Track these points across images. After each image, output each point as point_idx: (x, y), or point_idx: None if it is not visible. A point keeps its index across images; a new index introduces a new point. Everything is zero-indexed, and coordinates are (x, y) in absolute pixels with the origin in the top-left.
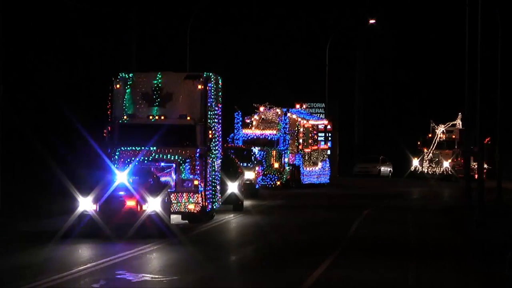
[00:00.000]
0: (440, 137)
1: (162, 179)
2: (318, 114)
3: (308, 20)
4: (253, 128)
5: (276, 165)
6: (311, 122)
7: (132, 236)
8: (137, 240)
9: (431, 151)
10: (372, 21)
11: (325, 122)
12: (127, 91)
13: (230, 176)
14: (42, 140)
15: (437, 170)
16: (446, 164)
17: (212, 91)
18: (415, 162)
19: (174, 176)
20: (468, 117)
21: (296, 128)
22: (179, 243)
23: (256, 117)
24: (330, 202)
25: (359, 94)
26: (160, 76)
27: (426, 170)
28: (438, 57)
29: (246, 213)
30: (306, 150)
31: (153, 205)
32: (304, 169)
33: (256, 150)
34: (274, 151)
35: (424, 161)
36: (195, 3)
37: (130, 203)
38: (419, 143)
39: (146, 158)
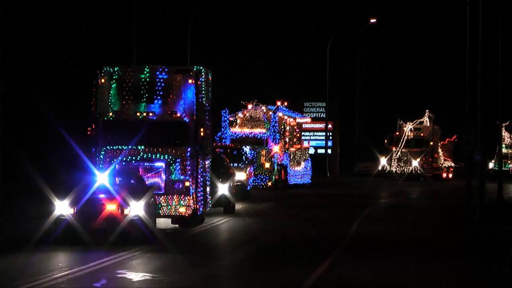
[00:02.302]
0: (408, 135)
1: (151, 180)
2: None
3: (309, 20)
4: (237, 126)
5: (267, 165)
6: (298, 120)
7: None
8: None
9: (400, 150)
10: (373, 21)
11: (308, 119)
12: (112, 86)
13: (221, 177)
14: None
15: (405, 170)
16: (415, 163)
17: (203, 86)
18: (383, 161)
19: (163, 177)
20: (469, 116)
21: (283, 127)
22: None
23: (240, 115)
24: (327, 202)
25: (359, 93)
26: (148, 70)
27: (394, 170)
28: (439, 56)
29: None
30: (292, 149)
31: (136, 209)
32: (291, 169)
33: (247, 149)
34: (264, 151)
35: (393, 160)
36: (196, 2)
37: (111, 207)
38: (386, 141)
39: (133, 158)
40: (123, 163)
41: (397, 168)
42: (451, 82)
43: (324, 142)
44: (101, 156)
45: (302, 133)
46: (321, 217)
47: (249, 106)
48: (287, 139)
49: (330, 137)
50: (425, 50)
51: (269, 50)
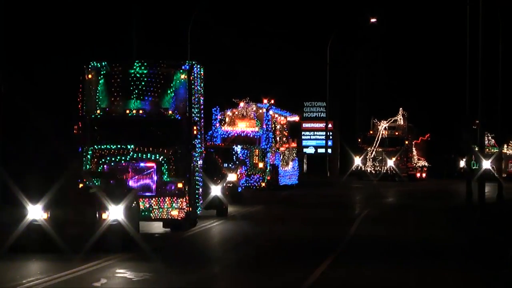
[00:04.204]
0: (382, 134)
1: (142, 181)
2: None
3: (309, 19)
4: (226, 125)
5: (260, 165)
6: (289, 118)
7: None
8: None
9: (374, 149)
10: (373, 20)
11: (297, 118)
12: (100, 81)
13: (213, 178)
14: None
15: (381, 169)
16: (390, 163)
17: (196, 82)
18: (357, 160)
19: (155, 178)
20: (469, 116)
21: (273, 125)
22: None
23: (229, 113)
24: (323, 202)
25: (360, 93)
26: (138, 65)
27: (369, 170)
28: (440, 56)
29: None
30: (282, 148)
31: (115, 213)
32: (281, 169)
33: (238, 149)
34: (257, 150)
35: (368, 160)
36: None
37: (88, 211)
38: (359, 140)
39: (122, 158)
40: (112, 164)
41: (372, 168)
42: (451, 82)
43: (324, 142)
44: (89, 156)
45: (302, 133)
46: (319, 218)
47: (241, 104)
48: (277, 138)
49: (330, 137)
50: (425, 50)
51: (268, 50)
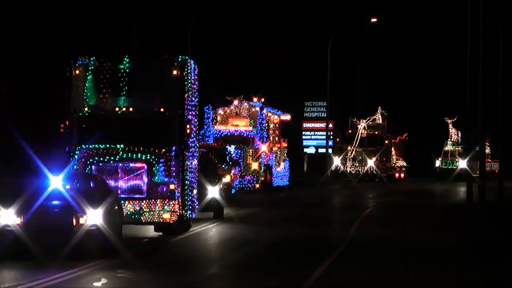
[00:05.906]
0: (361, 133)
1: (131, 182)
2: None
3: (310, 19)
4: (217, 124)
5: (254, 165)
6: (281, 117)
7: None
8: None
9: (354, 149)
10: (374, 20)
11: (289, 117)
12: (88, 78)
13: (210, 178)
14: None
15: (361, 170)
16: (371, 163)
17: (189, 78)
18: (337, 160)
19: (145, 180)
20: (470, 116)
21: (267, 124)
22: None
23: (220, 111)
24: (320, 203)
25: (360, 93)
26: (127, 61)
27: (349, 170)
28: (440, 55)
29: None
30: (274, 148)
31: (94, 217)
32: (274, 169)
33: (232, 149)
34: (251, 150)
35: (348, 160)
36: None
37: (64, 215)
38: (338, 139)
39: (111, 158)
40: (100, 164)
41: (352, 168)
42: (452, 82)
43: (325, 142)
44: (76, 156)
45: (303, 133)
46: (318, 218)
47: (235, 102)
48: (271, 138)
49: (331, 137)
50: (426, 50)
51: (268, 49)
